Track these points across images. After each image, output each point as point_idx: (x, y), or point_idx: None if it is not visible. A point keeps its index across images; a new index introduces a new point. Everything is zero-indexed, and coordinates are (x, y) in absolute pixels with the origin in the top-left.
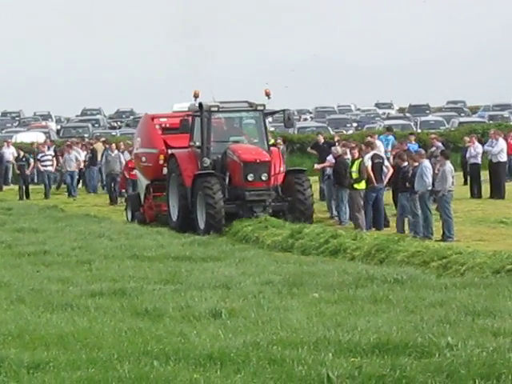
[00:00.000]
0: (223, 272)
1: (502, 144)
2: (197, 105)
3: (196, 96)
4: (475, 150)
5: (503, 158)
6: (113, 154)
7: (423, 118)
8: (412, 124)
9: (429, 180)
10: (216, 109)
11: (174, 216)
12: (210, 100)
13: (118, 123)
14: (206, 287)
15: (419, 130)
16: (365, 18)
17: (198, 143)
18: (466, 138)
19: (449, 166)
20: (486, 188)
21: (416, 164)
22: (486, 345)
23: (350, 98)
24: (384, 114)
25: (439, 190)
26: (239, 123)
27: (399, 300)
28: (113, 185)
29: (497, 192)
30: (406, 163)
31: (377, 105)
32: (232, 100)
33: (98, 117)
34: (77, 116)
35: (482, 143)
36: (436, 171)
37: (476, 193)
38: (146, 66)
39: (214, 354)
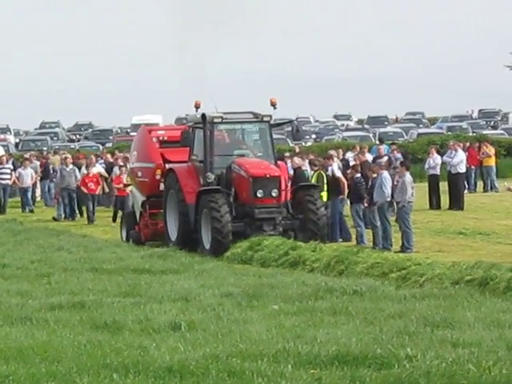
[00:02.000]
0: (182, 284)
1: (460, 155)
2: (198, 116)
3: (197, 107)
4: (434, 161)
5: (462, 169)
6: (68, 169)
7: (382, 130)
8: (371, 135)
9: (388, 191)
10: (219, 120)
11: (173, 235)
12: (211, 111)
13: (77, 136)
14: (165, 300)
15: (378, 142)
16: (323, 31)
17: (199, 157)
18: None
19: (408, 177)
20: (445, 199)
21: (375, 175)
22: (446, 356)
23: (308, 110)
24: (343, 125)
25: (399, 201)
26: (243, 135)
27: (358, 311)
28: (67, 200)
29: (456, 203)
30: (358, 174)
31: (335, 116)
32: (235, 111)
33: (56, 130)
34: (35, 129)
35: (441, 154)
36: (395, 182)
37: (435, 204)
38: (105, 79)
39: (174, 367)
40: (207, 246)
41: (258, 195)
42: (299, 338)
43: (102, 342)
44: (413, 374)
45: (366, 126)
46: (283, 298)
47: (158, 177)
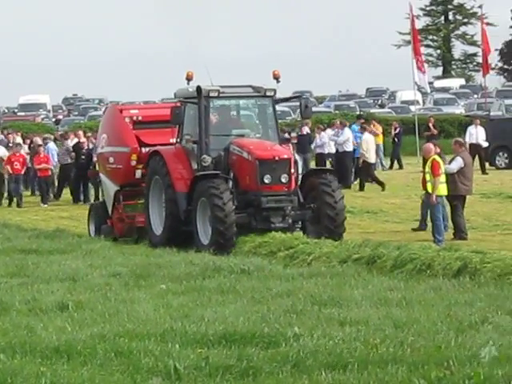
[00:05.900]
0: (70, 265)
1: (347, 134)
2: (191, 89)
3: (189, 79)
4: (321, 139)
5: (349, 147)
6: None
7: None
8: None
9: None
10: (216, 94)
11: (158, 229)
12: (206, 84)
13: None
14: (52, 280)
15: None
16: (212, 11)
17: (193, 137)
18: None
19: (296, 155)
20: None
21: None
22: (333, 334)
23: None
24: None
25: None
26: (239, 112)
27: (246, 290)
28: None
29: (343, 181)
30: None
31: None
32: (233, 84)
33: None
34: None
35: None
36: None
37: None
38: None
39: (61, 347)
40: (205, 240)
41: (266, 181)
42: (187, 317)
43: None
44: (300, 352)
45: None
46: (171, 278)
47: (133, 163)
